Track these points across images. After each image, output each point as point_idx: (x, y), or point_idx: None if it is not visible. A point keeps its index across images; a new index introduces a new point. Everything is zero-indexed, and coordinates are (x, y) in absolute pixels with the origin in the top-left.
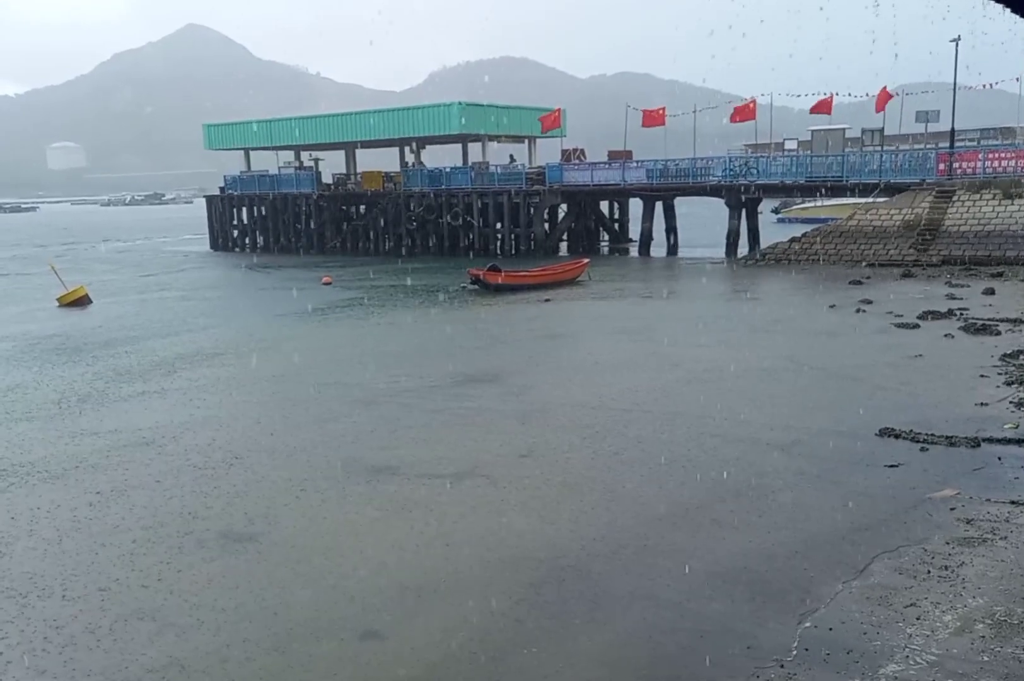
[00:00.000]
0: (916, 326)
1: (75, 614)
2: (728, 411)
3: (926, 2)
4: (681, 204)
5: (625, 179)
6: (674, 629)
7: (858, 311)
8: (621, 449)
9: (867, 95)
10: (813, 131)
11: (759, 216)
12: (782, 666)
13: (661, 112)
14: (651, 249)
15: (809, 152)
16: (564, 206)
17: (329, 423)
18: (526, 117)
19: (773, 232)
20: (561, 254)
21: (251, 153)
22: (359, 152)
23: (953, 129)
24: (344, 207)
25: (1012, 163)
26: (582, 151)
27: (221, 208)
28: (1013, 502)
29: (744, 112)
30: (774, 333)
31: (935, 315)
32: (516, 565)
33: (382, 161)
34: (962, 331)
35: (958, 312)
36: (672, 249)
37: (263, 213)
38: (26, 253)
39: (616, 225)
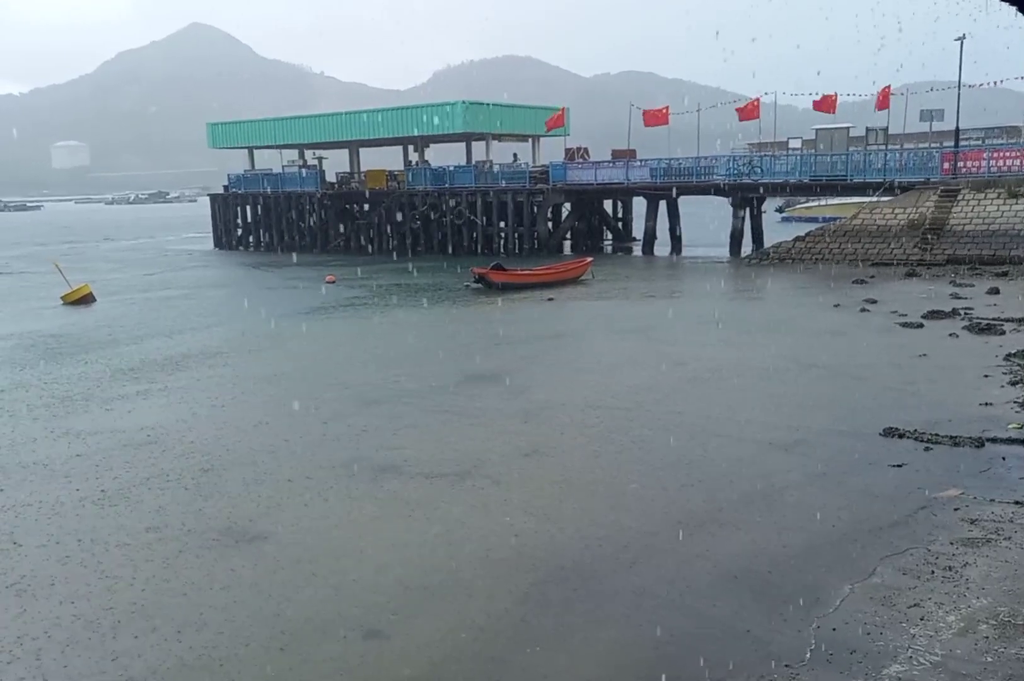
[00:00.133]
0: (920, 326)
1: (77, 614)
2: (732, 411)
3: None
4: (685, 203)
5: (629, 178)
6: (678, 629)
7: (862, 310)
8: (624, 449)
9: (871, 94)
10: (817, 130)
11: (763, 215)
12: (786, 666)
13: (664, 111)
14: (654, 248)
15: (813, 151)
16: (567, 205)
17: (332, 422)
18: (530, 116)
19: (777, 231)
20: (564, 253)
21: (255, 152)
22: (363, 151)
23: (958, 128)
24: (348, 206)
25: (1017, 162)
26: (586, 150)
27: (225, 207)
28: (1017, 502)
29: (748, 111)
30: (778, 332)
31: (939, 315)
32: (519, 564)
33: (386, 160)
34: (966, 331)
35: (962, 312)
36: (676, 248)
37: (267, 212)
38: (30, 252)
39: (620, 224)
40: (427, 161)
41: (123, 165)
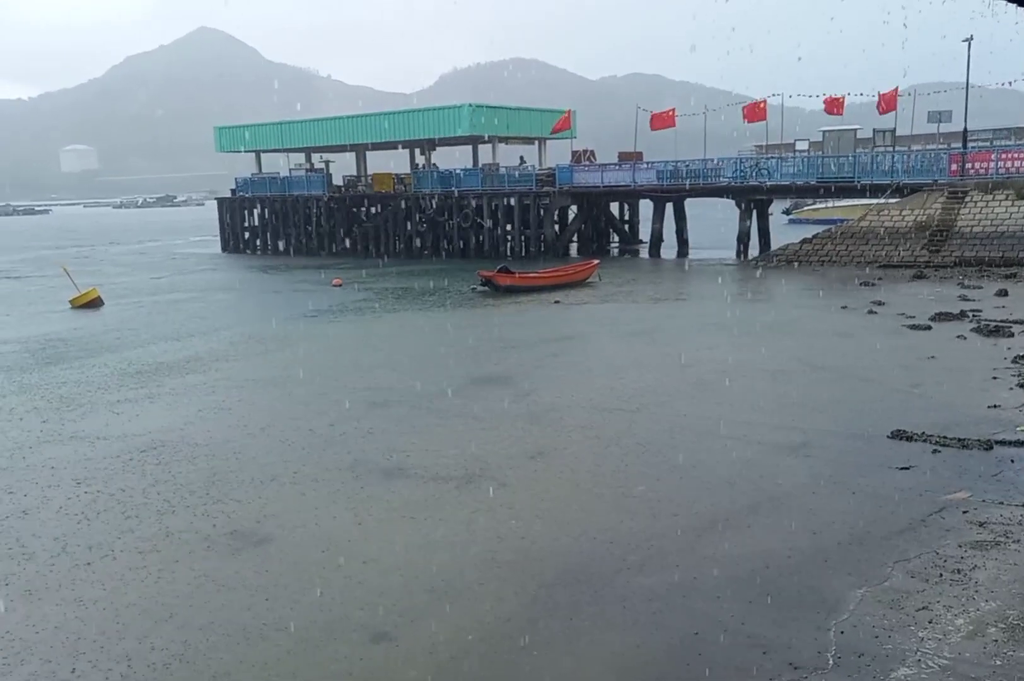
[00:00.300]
0: (928, 328)
1: (84, 615)
2: (739, 413)
3: (938, 1)
4: (692, 205)
5: (635, 180)
6: (686, 633)
7: (870, 312)
8: (631, 451)
9: (879, 94)
10: (824, 132)
11: (770, 217)
12: (796, 669)
13: (671, 113)
14: (661, 250)
15: (820, 153)
16: (574, 208)
17: (338, 425)
18: (536, 118)
19: (784, 233)
20: (571, 256)
21: (262, 155)
22: (369, 154)
23: (966, 129)
24: (354, 209)
25: None
26: (592, 152)
27: (232, 210)
28: None
29: (755, 112)
30: (785, 335)
31: (947, 317)
32: (526, 567)
33: (392, 163)
34: (975, 333)
35: (971, 314)
36: (682, 250)
37: (274, 215)
38: (39, 255)
39: (626, 226)
40: (435, 164)
41: (131, 169)
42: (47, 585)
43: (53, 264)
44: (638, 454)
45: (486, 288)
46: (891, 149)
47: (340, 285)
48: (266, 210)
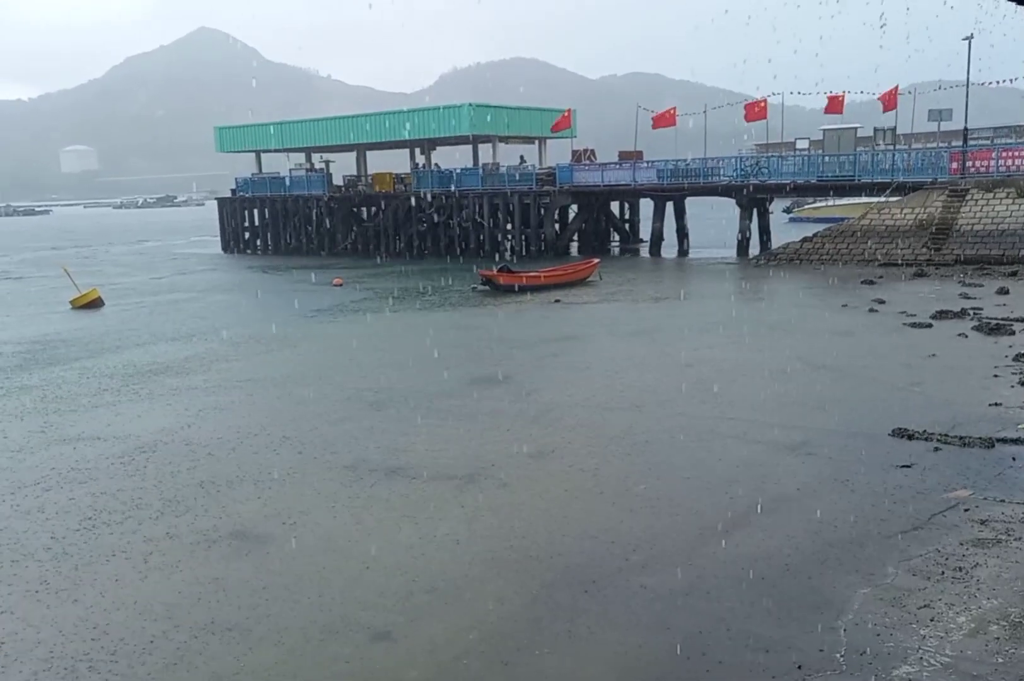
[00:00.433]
0: (929, 326)
1: (84, 615)
2: (740, 412)
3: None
4: (692, 204)
5: (636, 179)
6: (688, 632)
7: (871, 311)
8: (632, 450)
9: (879, 92)
10: (825, 130)
11: (770, 216)
12: (799, 668)
13: (672, 112)
14: (662, 249)
15: (821, 151)
16: (574, 207)
17: (340, 424)
18: (536, 118)
19: (785, 232)
20: (571, 255)
21: (262, 155)
22: (369, 154)
23: (966, 127)
24: (355, 209)
25: None
26: (592, 152)
27: (232, 210)
28: None
29: (755, 111)
30: (786, 333)
31: (948, 315)
32: (528, 566)
33: (393, 163)
34: (976, 331)
35: (972, 312)
36: (683, 249)
37: (274, 215)
38: (39, 256)
39: (627, 226)
40: (437, 164)
41: (131, 169)
42: (48, 586)
43: (53, 265)
44: (639, 453)
45: (487, 287)
46: (892, 147)
47: (341, 285)
48: (266, 210)
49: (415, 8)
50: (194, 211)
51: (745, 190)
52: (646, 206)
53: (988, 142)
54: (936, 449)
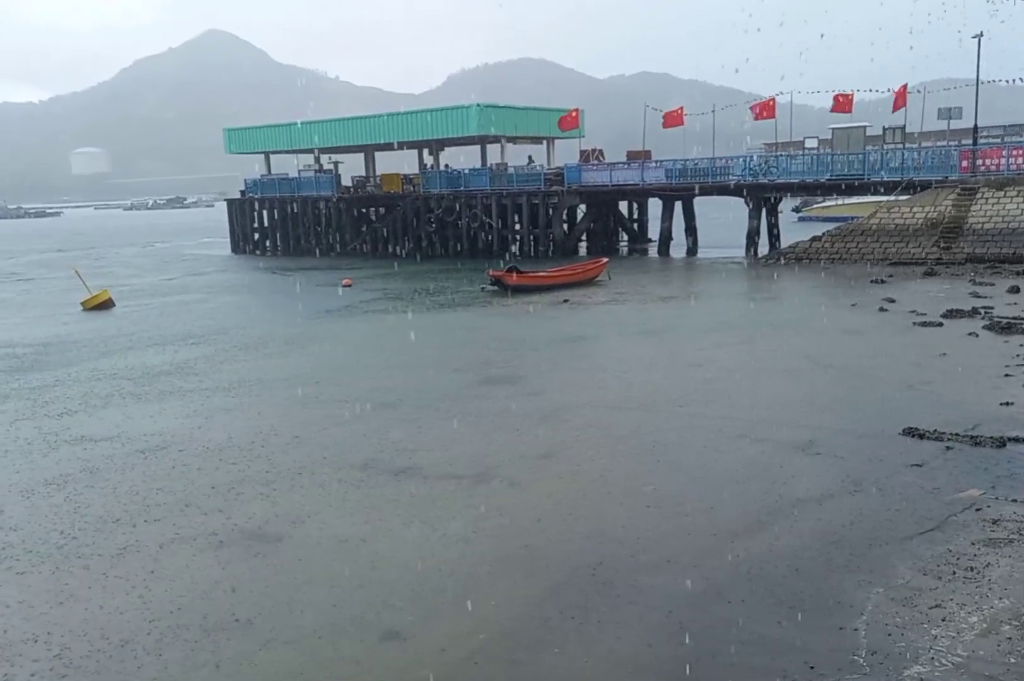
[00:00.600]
0: (940, 325)
1: (91, 616)
2: (749, 411)
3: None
4: (700, 204)
5: (644, 179)
6: (699, 632)
7: (881, 310)
8: (642, 450)
9: (888, 90)
10: (834, 129)
11: (779, 215)
12: (812, 668)
13: (679, 112)
14: (670, 249)
15: (830, 150)
16: (583, 207)
17: (349, 425)
18: (544, 118)
19: (794, 231)
20: (580, 254)
21: (271, 156)
22: (378, 155)
23: (976, 126)
24: (363, 209)
25: None
26: (601, 151)
27: (242, 211)
28: None
29: (764, 110)
30: (795, 333)
31: (959, 314)
32: (537, 566)
33: (401, 163)
34: (987, 330)
35: (982, 311)
36: (691, 249)
37: (283, 216)
38: (50, 258)
39: (635, 225)
40: (447, 165)
41: (141, 171)
42: (57, 585)
43: (64, 266)
44: (648, 453)
45: (495, 287)
46: (901, 146)
47: (350, 285)
48: (275, 211)
49: (422, 9)
50: (204, 212)
51: (754, 189)
52: (655, 206)
53: (999, 140)
54: (947, 449)
